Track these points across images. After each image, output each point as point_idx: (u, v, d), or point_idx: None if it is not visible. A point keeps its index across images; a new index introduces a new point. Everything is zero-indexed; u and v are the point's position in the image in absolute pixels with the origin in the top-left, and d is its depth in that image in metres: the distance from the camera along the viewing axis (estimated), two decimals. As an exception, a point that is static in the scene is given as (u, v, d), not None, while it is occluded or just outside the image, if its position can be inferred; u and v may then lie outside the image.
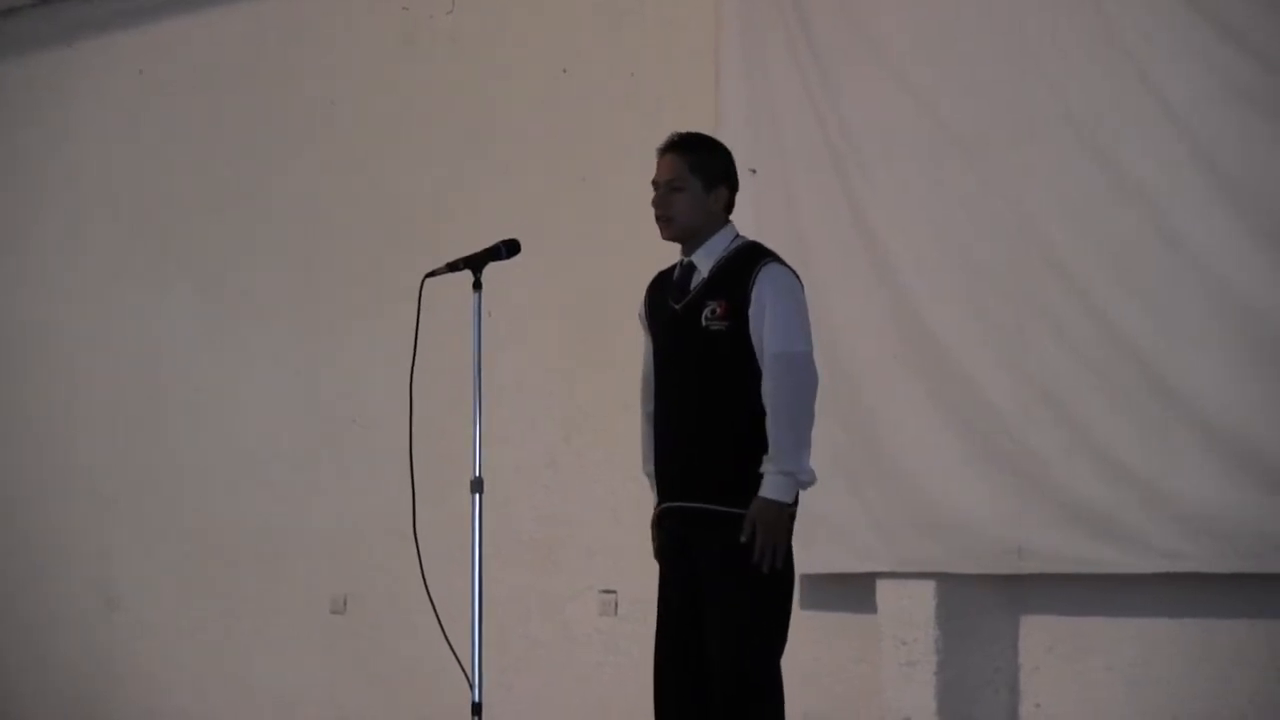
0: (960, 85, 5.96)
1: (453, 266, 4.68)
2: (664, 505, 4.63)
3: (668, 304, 4.65)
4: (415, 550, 4.72)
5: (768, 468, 4.45)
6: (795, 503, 4.51)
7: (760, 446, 4.46)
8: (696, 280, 4.60)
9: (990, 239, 5.87)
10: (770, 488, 4.43)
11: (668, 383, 4.64)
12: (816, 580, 6.19)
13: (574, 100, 7.21)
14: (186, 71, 8.51)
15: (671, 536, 4.60)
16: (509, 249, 4.73)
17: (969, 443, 5.85)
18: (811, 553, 5.88)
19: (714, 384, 4.53)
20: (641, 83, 6.99)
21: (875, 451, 6.04)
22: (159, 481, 8.46)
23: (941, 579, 5.94)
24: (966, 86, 5.94)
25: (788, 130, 6.32)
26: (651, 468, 4.69)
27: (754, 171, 6.18)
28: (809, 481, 4.51)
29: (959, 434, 5.87)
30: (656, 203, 4.63)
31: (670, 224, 4.62)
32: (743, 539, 4.41)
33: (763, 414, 4.47)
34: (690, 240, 4.63)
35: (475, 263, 4.67)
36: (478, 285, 4.64)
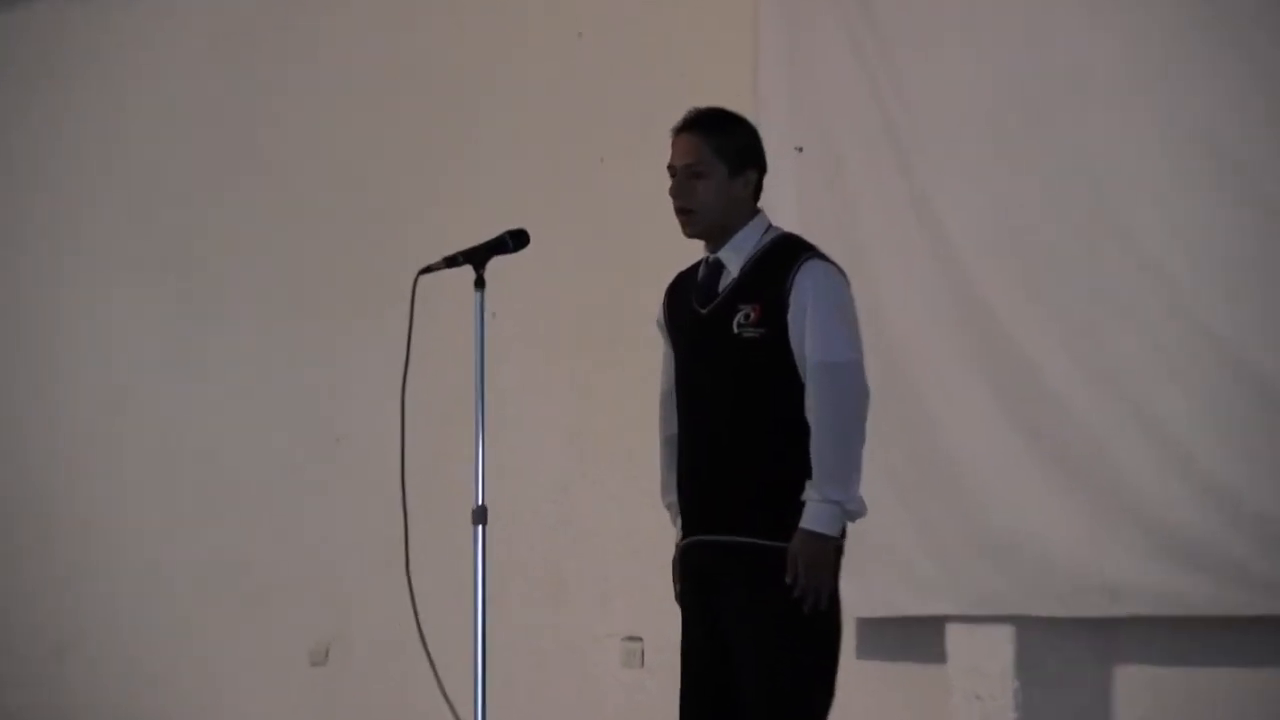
0: (1029, 45, 5.96)
1: (451, 261, 4.65)
2: (688, 540, 4.61)
3: (691, 309, 4.64)
4: (408, 589, 4.71)
5: (811, 495, 4.43)
6: (843, 535, 4.48)
7: (802, 471, 4.44)
8: (725, 281, 4.58)
9: (1062, 220, 5.87)
10: (813, 518, 4.41)
11: (693, 400, 4.62)
12: (875, 625, 6.19)
13: (591, 69, 7.23)
14: (154, 48, 8.58)
15: (698, 576, 4.59)
16: (516, 241, 4.71)
17: (1049, 461, 5.84)
18: (868, 593, 5.89)
19: (747, 400, 4.51)
20: (668, 49, 7.00)
21: (940, 472, 6.04)
22: (115, 508, 8.50)
23: (1020, 623, 5.93)
24: (1036, 46, 5.95)
25: (836, 100, 6.34)
26: (673, 498, 4.66)
27: (800, 150, 6.24)
28: (859, 512, 4.48)
29: (1037, 450, 5.86)
30: (675, 192, 4.60)
31: (692, 218, 4.58)
32: (787, 579, 4.38)
33: (804, 433, 4.45)
34: (716, 235, 4.61)
35: (477, 257, 4.64)
36: (480, 283, 4.62)
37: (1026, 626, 5.92)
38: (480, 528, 4.58)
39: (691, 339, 4.64)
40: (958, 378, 6.01)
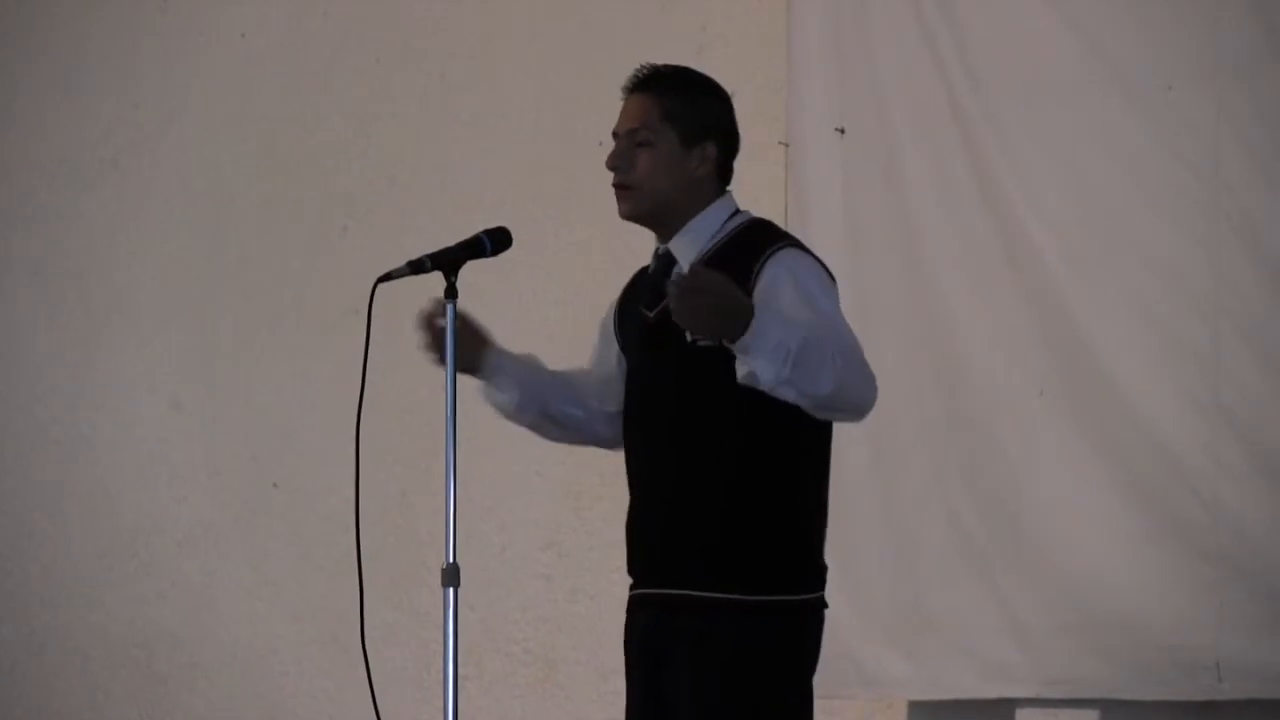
0: (1130, 6, 6.00)
1: (416, 267, 4.65)
2: (638, 591, 4.68)
3: (639, 312, 4.69)
4: (364, 668, 4.69)
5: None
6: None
7: (772, 511, 4.48)
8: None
9: (1169, 218, 5.88)
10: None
11: (639, 423, 4.67)
12: (931, 709, 6.22)
13: (589, 32, 7.25)
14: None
15: (646, 635, 4.65)
16: (495, 242, 4.73)
17: (1147, 514, 5.89)
18: (924, 672, 5.96)
19: (704, 426, 4.53)
20: (682, 10, 7.01)
21: (1013, 528, 6.07)
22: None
23: (1107, 707, 6.01)
24: (1139, 8, 5.99)
25: (889, 71, 6.34)
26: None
27: (841, 132, 6.24)
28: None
29: (1134, 503, 5.91)
30: (612, 162, 4.65)
31: (630, 195, 4.63)
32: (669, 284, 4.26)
33: (774, 465, 4.49)
34: (664, 220, 4.64)
35: (448, 261, 4.66)
36: (452, 292, 4.64)
37: (1114, 711, 6.00)
38: (452, 591, 4.56)
39: (639, 349, 4.70)
40: (1039, 416, 6.04)
